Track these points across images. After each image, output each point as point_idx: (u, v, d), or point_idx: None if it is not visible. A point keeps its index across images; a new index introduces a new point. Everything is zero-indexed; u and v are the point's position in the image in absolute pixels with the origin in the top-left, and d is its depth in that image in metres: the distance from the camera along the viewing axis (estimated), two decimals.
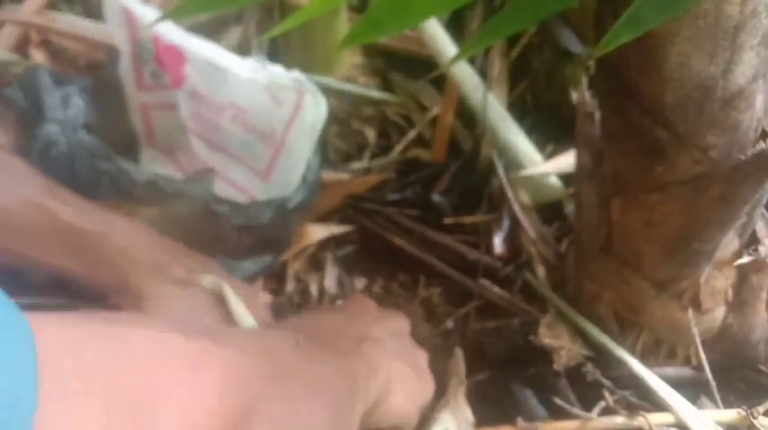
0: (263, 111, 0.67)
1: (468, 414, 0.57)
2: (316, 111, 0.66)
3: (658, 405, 0.56)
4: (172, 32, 0.67)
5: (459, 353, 0.62)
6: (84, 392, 0.27)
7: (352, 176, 0.79)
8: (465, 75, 0.79)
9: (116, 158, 0.62)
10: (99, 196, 0.59)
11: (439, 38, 0.79)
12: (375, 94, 0.84)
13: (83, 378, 0.27)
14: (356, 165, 0.81)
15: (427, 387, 0.55)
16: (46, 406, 0.24)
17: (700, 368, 0.57)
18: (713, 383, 0.56)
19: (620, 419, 0.54)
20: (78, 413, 0.26)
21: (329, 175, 0.77)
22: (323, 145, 0.77)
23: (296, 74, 0.67)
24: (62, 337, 0.27)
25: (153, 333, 0.32)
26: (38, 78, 0.65)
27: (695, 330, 0.56)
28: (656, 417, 0.54)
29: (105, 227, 0.55)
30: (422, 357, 0.57)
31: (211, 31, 0.82)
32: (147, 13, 0.67)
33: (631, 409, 0.56)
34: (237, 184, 0.70)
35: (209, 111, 0.68)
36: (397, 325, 0.57)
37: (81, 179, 0.61)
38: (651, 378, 0.57)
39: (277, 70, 0.67)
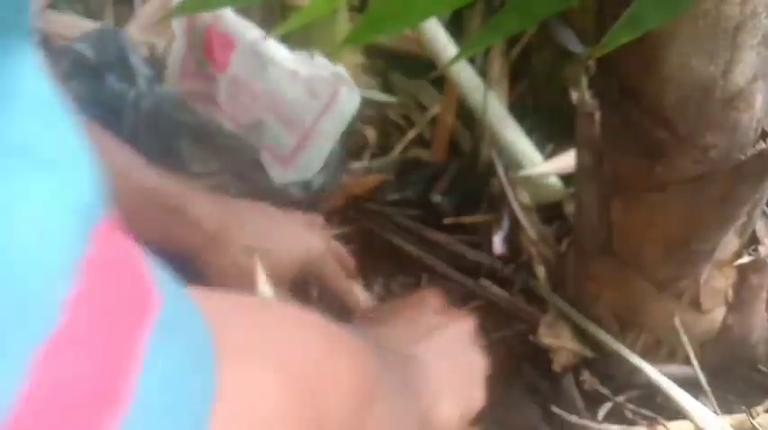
0: (297, 102, 0.71)
1: None
2: (349, 103, 0.71)
3: (663, 407, 0.56)
4: (229, 20, 0.70)
5: (481, 344, 0.62)
6: (259, 364, 0.27)
7: (353, 177, 0.79)
8: (465, 75, 0.79)
9: (194, 110, 0.69)
10: (180, 144, 0.67)
11: (439, 38, 0.79)
12: (375, 95, 0.84)
13: (255, 349, 0.28)
14: (356, 165, 0.81)
15: (476, 395, 0.53)
16: (224, 374, 0.23)
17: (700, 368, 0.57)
18: (707, 388, 0.56)
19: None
20: (255, 382, 0.27)
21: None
22: (349, 136, 0.79)
23: (336, 68, 0.72)
24: (223, 311, 0.27)
25: (297, 312, 0.34)
26: (120, 36, 0.72)
27: (684, 338, 0.57)
28: (674, 425, 0.54)
29: (184, 198, 0.57)
30: (479, 364, 0.54)
31: None
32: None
33: (636, 413, 0.56)
34: (255, 164, 0.73)
35: (246, 96, 0.71)
36: (460, 328, 0.55)
37: (164, 129, 0.68)
38: (665, 382, 0.57)
39: (321, 62, 0.71)
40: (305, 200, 0.71)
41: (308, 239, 0.62)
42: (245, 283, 0.56)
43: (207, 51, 0.72)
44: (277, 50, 0.71)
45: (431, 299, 0.57)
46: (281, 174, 0.72)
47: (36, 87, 0.17)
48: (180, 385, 0.21)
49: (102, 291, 0.19)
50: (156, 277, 0.21)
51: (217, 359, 0.23)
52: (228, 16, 0.71)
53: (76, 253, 0.18)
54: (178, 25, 0.73)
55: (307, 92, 0.70)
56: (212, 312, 0.24)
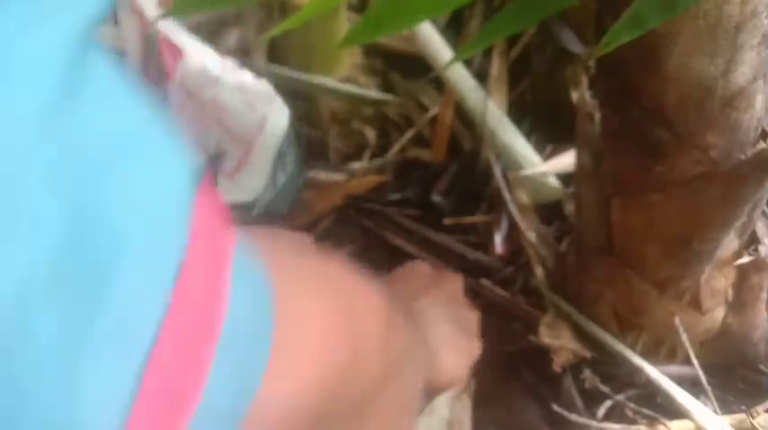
0: (240, 114, 0.69)
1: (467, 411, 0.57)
2: (281, 121, 0.69)
3: (664, 407, 0.56)
4: (173, 30, 0.69)
5: (481, 344, 0.62)
6: (305, 296, 0.31)
7: (352, 177, 0.79)
8: (463, 75, 0.79)
9: None
10: None
11: (433, 41, 0.79)
12: (375, 94, 0.84)
13: (302, 283, 0.32)
14: (356, 165, 0.81)
15: (473, 345, 0.58)
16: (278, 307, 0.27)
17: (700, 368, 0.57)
18: (708, 388, 0.56)
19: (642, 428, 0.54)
20: (306, 312, 0.31)
21: (329, 176, 0.77)
22: (317, 150, 0.79)
23: (264, 83, 0.70)
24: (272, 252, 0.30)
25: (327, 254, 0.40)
26: None
27: (684, 337, 0.56)
28: (675, 425, 0.54)
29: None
30: (471, 317, 0.59)
31: (212, 31, 0.82)
32: (153, 11, 0.70)
33: (637, 413, 0.56)
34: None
35: (194, 106, 0.70)
36: (449, 287, 0.60)
37: None
38: (665, 382, 0.57)
39: (247, 77, 0.70)
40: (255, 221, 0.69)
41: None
42: None
43: (161, 56, 0.71)
44: (214, 58, 0.70)
45: (418, 267, 0.61)
46: (227, 188, 0.70)
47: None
48: (251, 322, 0.25)
49: (203, 237, 0.22)
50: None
51: (275, 298, 0.27)
52: (171, 27, 0.70)
53: (190, 205, 0.21)
54: (132, 32, 0.71)
55: (246, 104, 0.69)
56: (264, 253, 0.27)
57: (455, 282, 0.60)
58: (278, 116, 0.69)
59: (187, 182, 0.21)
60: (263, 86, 0.70)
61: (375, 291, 0.40)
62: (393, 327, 0.40)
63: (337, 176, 0.79)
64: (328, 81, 0.81)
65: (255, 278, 0.26)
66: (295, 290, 0.30)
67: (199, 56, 0.69)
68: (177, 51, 0.70)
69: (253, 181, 0.70)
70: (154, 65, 0.72)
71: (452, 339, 0.55)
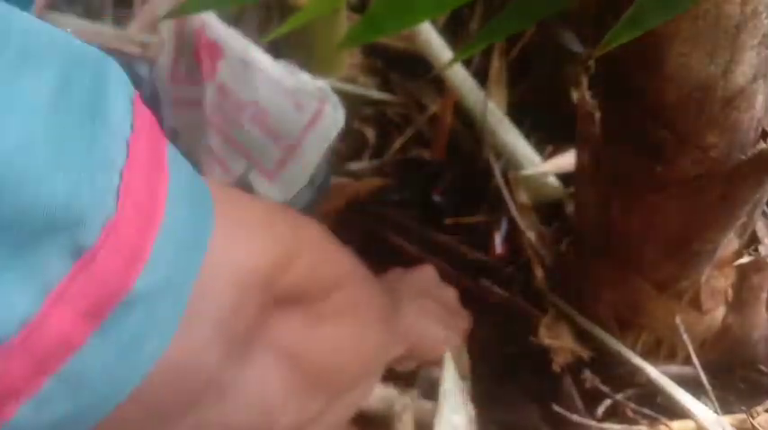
0: (284, 114, 0.69)
1: (469, 411, 0.57)
2: (333, 120, 0.69)
3: (664, 407, 0.56)
4: (215, 27, 0.69)
5: (463, 349, 0.62)
6: (247, 229, 0.34)
7: (353, 178, 0.79)
8: (463, 75, 0.79)
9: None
10: None
11: (433, 41, 0.79)
12: (375, 93, 0.84)
13: (244, 219, 0.35)
14: (356, 165, 0.81)
15: (460, 320, 0.62)
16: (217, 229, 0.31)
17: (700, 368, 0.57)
18: (708, 387, 0.56)
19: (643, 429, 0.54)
20: (246, 205, 0.36)
21: (332, 178, 0.77)
22: (346, 138, 0.79)
23: (321, 83, 0.69)
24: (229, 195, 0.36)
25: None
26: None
27: (685, 337, 0.56)
28: (675, 425, 0.54)
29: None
30: (450, 294, 0.63)
31: None
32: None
33: (637, 413, 0.56)
34: (244, 181, 0.71)
35: (232, 106, 0.70)
36: (424, 272, 0.63)
37: None
38: (666, 382, 0.57)
39: (304, 77, 0.69)
40: None
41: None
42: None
43: (196, 56, 0.71)
44: (262, 59, 0.70)
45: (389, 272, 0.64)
46: (266, 189, 0.70)
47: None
48: (192, 196, 0.30)
49: (144, 140, 0.27)
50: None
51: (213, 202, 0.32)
52: (213, 23, 0.70)
53: (131, 112, 0.27)
54: (166, 29, 0.72)
55: (292, 104, 0.69)
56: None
57: (429, 269, 0.64)
58: (330, 117, 0.69)
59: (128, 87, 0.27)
60: (316, 86, 0.70)
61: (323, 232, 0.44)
62: (338, 251, 0.45)
63: (339, 178, 0.79)
64: (328, 81, 0.81)
65: (191, 170, 0.31)
66: (233, 204, 0.34)
67: (241, 55, 0.69)
68: (217, 51, 0.69)
69: (294, 180, 0.70)
70: (186, 63, 0.72)
71: (438, 315, 0.59)
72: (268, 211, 0.37)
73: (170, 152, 0.29)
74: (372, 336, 0.48)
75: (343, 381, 0.44)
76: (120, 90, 0.27)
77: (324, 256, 0.42)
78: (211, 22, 0.70)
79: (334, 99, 0.69)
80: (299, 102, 0.69)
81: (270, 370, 0.36)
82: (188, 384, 0.30)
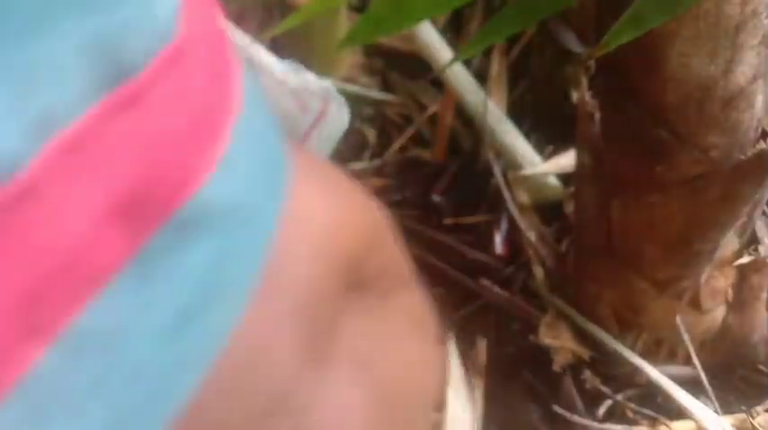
0: (289, 114, 0.69)
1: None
2: (338, 121, 0.68)
3: (664, 407, 0.56)
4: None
5: (481, 344, 0.62)
6: (334, 187, 0.26)
7: (354, 178, 0.79)
8: (463, 75, 0.79)
9: None
10: None
11: (433, 41, 0.79)
12: (375, 93, 0.84)
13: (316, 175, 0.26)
14: (356, 165, 0.81)
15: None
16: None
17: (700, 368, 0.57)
18: (709, 387, 0.56)
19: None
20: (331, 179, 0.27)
21: None
22: (347, 137, 0.79)
23: (325, 82, 0.69)
24: None
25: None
26: None
27: (685, 336, 0.56)
28: (676, 425, 0.54)
29: None
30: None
31: None
32: None
33: (637, 413, 0.56)
34: None
35: None
36: None
37: None
38: (666, 382, 0.57)
39: (309, 77, 0.69)
40: None
41: None
42: None
43: None
44: (266, 58, 0.70)
45: None
46: None
47: None
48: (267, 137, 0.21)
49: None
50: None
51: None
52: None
53: None
54: None
55: (296, 105, 0.69)
56: None
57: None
58: (335, 117, 0.69)
59: None
60: (320, 86, 0.69)
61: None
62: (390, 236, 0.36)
63: None
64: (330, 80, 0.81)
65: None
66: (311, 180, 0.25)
67: (245, 55, 0.69)
68: None
69: None
70: None
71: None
72: (347, 179, 0.28)
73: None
74: (436, 356, 0.40)
75: (421, 410, 0.32)
76: None
77: (398, 247, 0.33)
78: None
79: (339, 99, 0.69)
80: (303, 102, 0.69)
81: (347, 389, 0.25)
82: (255, 396, 0.20)
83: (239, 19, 0.85)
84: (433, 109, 0.83)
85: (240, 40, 0.72)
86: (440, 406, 0.57)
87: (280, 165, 0.21)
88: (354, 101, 0.83)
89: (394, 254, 0.31)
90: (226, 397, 0.19)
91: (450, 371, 0.59)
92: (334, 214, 0.24)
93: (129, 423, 0.16)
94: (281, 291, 0.20)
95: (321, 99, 0.71)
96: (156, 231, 0.15)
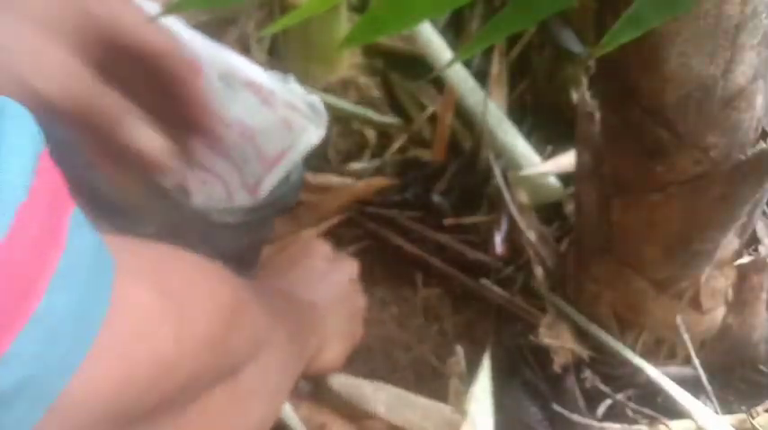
0: (271, 132, 0.68)
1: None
2: (313, 139, 0.68)
3: (664, 407, 0.56)
4: (194, 44, 0.68)
5: (460, 351, 0.62)
6: (140, 280, 0.33)
7: (355, 179, 0.79)
8: (463, 76, 0.79)
9: None
10: None
11: (433, 41, 0.79)
12: (374, 115, 0.83)
13: (138, 269, 0.33)
14: (356, 165, 0.81)
15: (358, 333, 0.62)
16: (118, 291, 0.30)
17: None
18: (709, 387, 0.56)
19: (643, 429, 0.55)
20: (135, 291, 0.32)
21: (333, 179, 0.77)
22: (317, 150, 0.79)
23: (312, 97, 0.69)
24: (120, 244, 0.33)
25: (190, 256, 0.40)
26: None
27: (685, 336, 0.56)
28: (676, 425, 0.54)
29: None
30: (361, 303, 0.63)
31: (211, 30, 0.82)
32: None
33: (637, 412, 0.56)
34: (230, 189, 0.70)
35: (219, 124, 0.69)
36: (346, 272, 0.63)
37: None
38: (666, 382, 0.57)
39: (297, 89, 0.69)
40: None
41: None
42: None
43: None
44: (251, 73, 0.68)
45: (319, 246, 0.63)
46: (246, 199, 0.69)
47: None
48: (82, 296, 0.27)
49: (38, 209, 0.25)
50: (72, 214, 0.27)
51: (114, 278, 0.30)
52: (194, 41, 0.69)
53: (30, 174, 0.24)
54: None
55: (281, 122, 0.67)
56: (111, 243, 0.30)
57: (351, 266, 0.63)
58: (311, 136, 0.67)
59: (30, 146, 0.25)
60: (306, 101, 0.68)
61: (222, 280, 0.41)
62: (237, 324, 0.41)
63: (341, 179, 0.78)
64: (328, 98, 0.80)
65: (95, 240, 0.29)
66: (127, 273, 0.32)
67: (224, 72, 0.68)
68: (197, 69, 0.68)
69: (268, 188, 0.69)
70: None
71: (341, 329, 0.59)
72: (157, 297, 0.34)
73: (73, 221, 0.27)
74: (285, 387, 0.49)
75: None
76: (19, 148, 0.24)
77: (212, 349, 0.39)
78: (191, 40, 0.68)
79: (323, 117, 0.68)
80: (287, 119, 0.68)
81: None
82: None
83: (238, 18, 0.85)
84: (432, 109, 0.83)
85: (218, 57, 0.70)
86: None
87: (88, 318, 0.28)
88: (354, 101, 0.83)
89: (203, 364, 0.37)
90: None
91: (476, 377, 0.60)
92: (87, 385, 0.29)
93: None
94: None
95: (304, 117, 0.70)
96: None
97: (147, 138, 0.48)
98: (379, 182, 0.78)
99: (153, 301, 0.33)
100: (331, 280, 0.61)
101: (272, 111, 0.67)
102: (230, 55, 0.68)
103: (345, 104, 0.83)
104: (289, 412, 0.57)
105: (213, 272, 0.41)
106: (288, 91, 0.68)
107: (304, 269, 0.61)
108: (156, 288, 0.34)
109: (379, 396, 0.58)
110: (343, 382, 0.59)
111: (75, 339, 0.27)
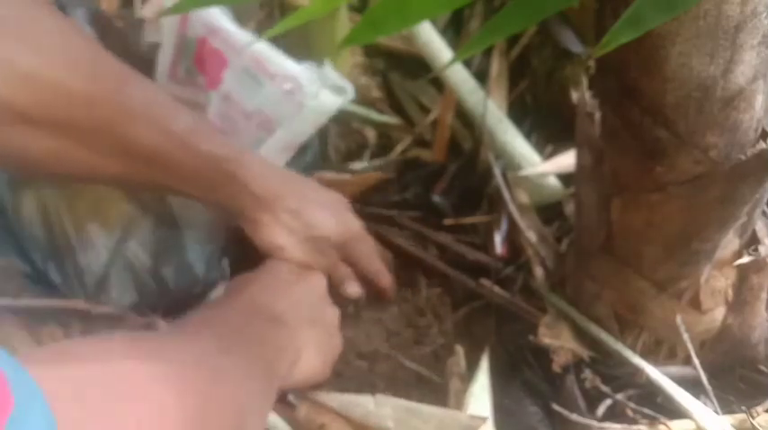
0: (291, 122, 0.69)
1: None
2: (331, 110, 0.70)
3: (664, 407, 0.56)
4: (224, 35, 0.70)
5: (460, 351, 0.62)
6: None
7: (353, 176, 0.79)
8: (463, 76, 0.79)
9: None
10: None
11: (433, 41, 0.79)
12: (375, 116, 0.83)
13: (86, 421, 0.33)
14: (356, 165, 0.81)
15: (335, 343, 0.61)
16: None
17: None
18: (709, 387, 0.56)
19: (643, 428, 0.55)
20: None
21: (330, 175, 0.77)
22: (348, 136, 0.82)
23: (344, 82, 0.70)
24: (65, 387, 0.34)
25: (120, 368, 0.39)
26: None
27: (685, 336, 0.56)
28: (675, 425, 0.54)
29: (237, 162, 0.59)
30: (333, 315, 0.62)
31: None
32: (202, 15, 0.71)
33: (637, 412, 0.56)
34: None
35: (238, 114, 0.71)
36: (313, 285, 0.62)
37: None
38: (666, 382, 0.57)
39: (331, 74, 0.70)
40: None
41: (349, 216, 0.65)
42: (287, 243, 0.61)
43: (198, 62, 0.72)
44: (279, 62, 0.70)
45: (279, 266, 0.62)
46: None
47: None
48: None
49: None
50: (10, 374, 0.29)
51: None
52: (224, 31, 0.70)
53: None
54: (169, 29, 0.72)
55: (302, 111, 0.69)
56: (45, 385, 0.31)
57: (319, 280, 0.62)
58: (328, 108, 0.69)
59: None
60: (337, 87, 0.70)
61: (176, 375, 0.41)
62: (209, 403, 0.41)
63: (338, 176, 0.78)
64: None
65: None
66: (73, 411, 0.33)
67: (248, 64, 0.69)
68: (222, 61, 0.70)
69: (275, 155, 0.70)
70: (185, 66, 0.73)
71: (315, 341, 0.58)
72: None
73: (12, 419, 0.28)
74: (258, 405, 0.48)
75: None
76: None
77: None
78: (221, 30, 0.70)
79: (351, 92, 0.70)
80: (299, 101, 0.69)
81: None
82: None
83: (239, 19, 0.85)
84: (433, 110, 0.83)
85: (243, 46, 0.72)
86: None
87: None
88: (355, 101, 0.83)
89: None
90: None
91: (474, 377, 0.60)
92: None
93: None
94: None
95: (309, 92, 0.69)
96: None
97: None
98: (375, 176, 0.78)
99: None
100: (296, 291, 0.60)
101: (292, 104, 0.69)
102: (262, 47, 0.69)
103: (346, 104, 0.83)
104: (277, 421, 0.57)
105: (163, 369, 0.41)
106: (313, 81, 0.69)
107: (268, 281, 0.60)
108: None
109: (384, 411, 0.56)
110: (343, 401, 0.58)
111: None
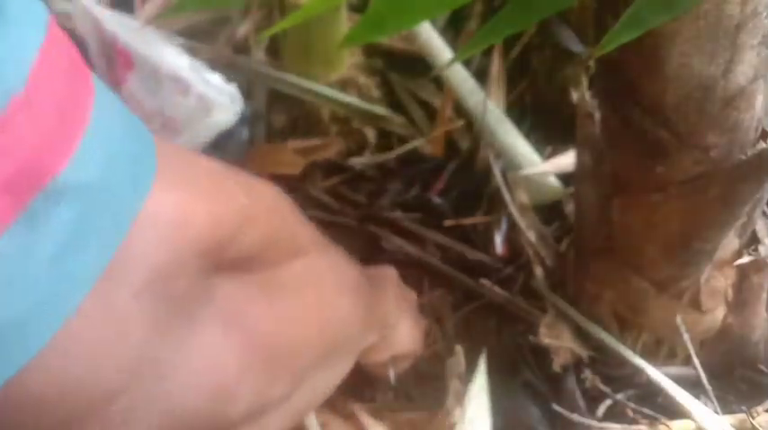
0: (194, 122, 0.70)
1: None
2: (225, 118, 0.71)
3: (664, 407, 0.56)
4: (128, 36, 0.71)
5: (459, 351, 0.62)
6: (191, 184, 0.30)
7: (353, 174, 0.79)
8: (462, 76, 0.79)
9: None
10: None
11: (433, 41, 0.79)
12: (377, 109, 0.83)
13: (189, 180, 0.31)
14: (356, 161, 0.81)
15: (422, 322, 0.60)
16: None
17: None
18: (708, 387, 0.56)
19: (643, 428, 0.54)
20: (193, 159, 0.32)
21: (294, 143, 0.78)
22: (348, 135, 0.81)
23: (230, 87, 0.72)
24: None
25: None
26: None
27: (685, 337, 0.56)
28: (676, 425, 0.54)
29: None
30: (414, 299, 0.61)
31: (210, 30, 0.82)
32: (112, 17, 0.74)
33: (637, 412, 0.56)
34: None
35: (142, 115, 0.72)
36: (386, 272, 0.59)
37: None
38: (666, 382, 0.57)
39: (215, 81, 0.71)
40: None
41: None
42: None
43: (113, 57, 0.74)
44: (174, 66, 0.71)
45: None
46: None
47: None
48: (119, 153, 0.26)
49: (56, 69, 0.24)
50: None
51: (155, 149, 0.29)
52: (126, 36, 0.72)
53: (40, 31, 0.23)
54: (88, 31, 0.74)
55: (202, 111, 0.70)
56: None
57: (389, 273, 0.59)
58: (224, 114, 0.71)
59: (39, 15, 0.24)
60: (228, 93, 0.71)
61: (278, 198, 0.39)
62: (299, 218, 0.40)
63: (303, 143, 0.80)
64: (326, 90, 0.80)
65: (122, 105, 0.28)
66: (181, 184, 0.30)
67: (154, 67, 0.70)
68: (129, 62, 0.71)
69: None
70: (106, 59, 0.74)
71: (410, 313, 0.57)
72: (217, 171, 0.33)
73: (95, 79, 0.26)
74: (343, 310, 0.43)
75: (307, 359, 0.38)
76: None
77: (283, 222, 0.38)
78: (123, 35, 0.72)
79: (238, 101, 0.71)
80: (206, 107, 0.70)
81: (219, 343, 0.31)
82: (110, 360, 0.26)
83: (239, 19, 0.85)
84: (432, 109, 0.83)
85: (149, 49, 0.73)
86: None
87: (140, 161, 0.27)
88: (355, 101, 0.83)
89: (273, 231, 0.35)
90: (79, 364, 0.25)
91: (474, 376, 0.60)
92: (184, 207, 0.28)
93: (27, 324, 0.22)
94: (129, 272, 0.26)
95: (223, 108, 0.71)
96: (34, 198, 0.22)
97: None
98: (378, 182, 0.78)
99: (208, 165, 0.33)
100: (377, 273, 0.57)
101: (189, 102, 0.69)
102: (164, 48, 0.70)
103: (346, 100, 0.83)
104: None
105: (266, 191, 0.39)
106: (204, 81, 0.70)
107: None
108: (209, 165, 0.33)
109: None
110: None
111: (138, 161, 0.27)
